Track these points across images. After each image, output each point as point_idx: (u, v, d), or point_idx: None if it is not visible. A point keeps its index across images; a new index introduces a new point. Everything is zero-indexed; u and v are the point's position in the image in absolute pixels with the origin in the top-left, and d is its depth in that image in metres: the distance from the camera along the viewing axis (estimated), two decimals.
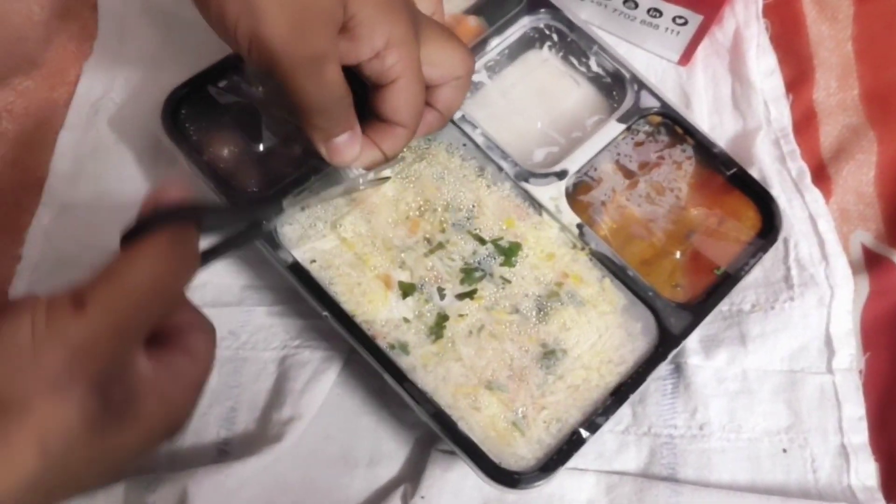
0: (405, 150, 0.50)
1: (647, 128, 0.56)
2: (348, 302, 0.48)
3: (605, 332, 0.50)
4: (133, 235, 0.33)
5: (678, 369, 0.52)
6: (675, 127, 0.56)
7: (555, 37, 0.58)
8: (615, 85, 0.57)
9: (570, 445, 0.45)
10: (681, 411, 0.51)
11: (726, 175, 0.55)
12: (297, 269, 0.48)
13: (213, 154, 0.51)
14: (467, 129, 0.53)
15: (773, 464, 0.50)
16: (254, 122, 0.52)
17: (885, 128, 0.59)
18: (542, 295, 0.50)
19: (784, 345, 0.52)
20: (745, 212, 0.54)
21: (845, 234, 0.56)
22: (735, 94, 0.60)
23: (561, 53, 0.58)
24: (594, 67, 0.58)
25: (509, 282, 0.50)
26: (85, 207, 0.53)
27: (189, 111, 0.51)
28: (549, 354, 0.49)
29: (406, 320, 0.48)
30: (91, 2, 0.59)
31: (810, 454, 0.50)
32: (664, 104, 0.56)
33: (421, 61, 0.43)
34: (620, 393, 0.47)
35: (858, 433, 0.51)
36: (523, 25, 0.57)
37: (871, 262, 0.55)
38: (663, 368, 0.50)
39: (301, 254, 0.49)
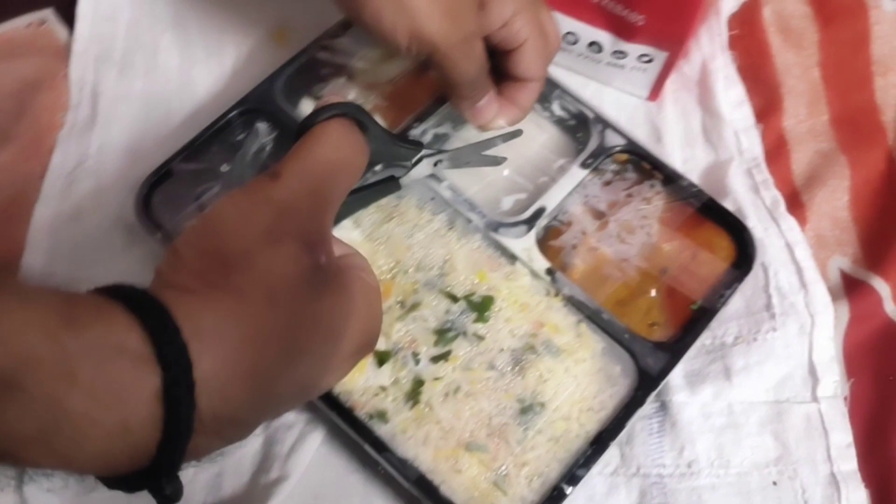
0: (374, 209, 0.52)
1: (613, 166, 0.56)
2: None
3: (583, 380, 0.50)
4: (308, 125, 0.39)
5: (663, 407, 0.51)
6: (641, 163, 0.56)
7: None
8: (579, 126, 0.57)
9: (551, 502, 0.46)
10: (668, 450, 0.51)
11: (696, 207, 0.55)
12: None
13: None
14: (433, 183, 0.53)
15: (765, 497, 0.50)
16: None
17: (857, 152, 0.59)
18: (517, 348, 0.50)
19: (768, 375, 0.52)
20: (719, 242, 0.54)
21: (823, 261, 0.57)
22: (705, 126, 0.60)
23: None
24: (557, 111, 0.58)
25: (483, 338, 0.50)
26: (62, 279, 0.53)
27: (163, 195, 0.52)
28: (526, 409, 0.49)
29: (383, 388, 0.48)
30: (63, 71, 0.60)
31: (801, 485, 0.50)
32: (629, 141, 0.56)
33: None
34: (601, 441, 0.47)
35: (847, 461, 0.51)
36: None
37: (849, 288, 0.56)
38: (648, 408, 0.50)
39: None
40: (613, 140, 0.56)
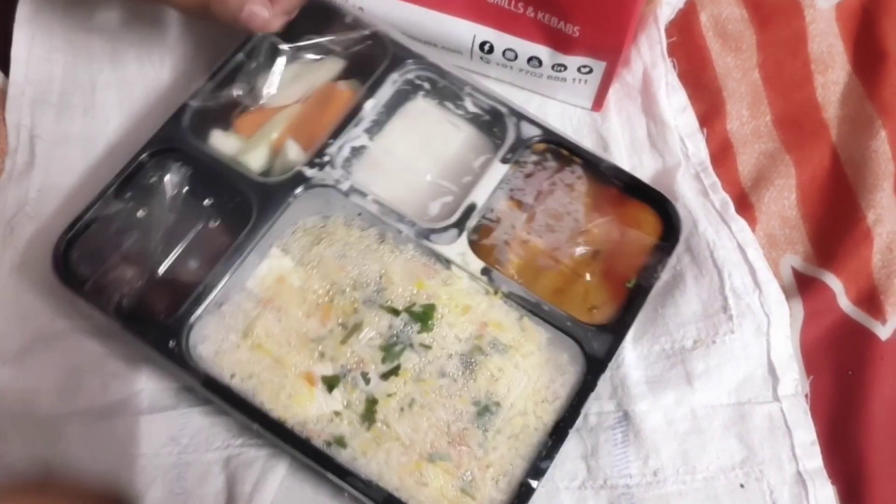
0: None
1: (533, 157, 0.56)
2: (276, 408, 0.48)
3: (533, 373, 0.50)
4: None
5: (626, 417, 0.51)
6: (560, 150, 0.56)
7: (426, 85, 0.58)
8: (494, 121, 0.57)
9: (520, 499, 0.46)
10: (634, 459, 0.50)
11: (619, 186, 0.55)
12: (218, 387, 0.47)
13: (115, 289, 0.50)
14: (358, 198, 0.53)
15: (733, 500, 0.50)
16: (150, 241, 0.52)
17: (801, 150, 0.60)
18: (465, 352, 0.50)
19: (729, 378, 0.52)
20: (645, 218, 0.55)
21: (775, 260, 0.57)
22: (651, 133, 0.61)
23: (436, 100, 0.58)
24: (471, 108, 0.58)
25: (430, 347, 0.50)
26: (7, 329, 0.52)
27: (83, 249, 0.51)
28: (483, 411, 0.49)
29: (337, 413, 0.48)
30: (0, 116, 0.59)
31: (767, 486, 0.50)
32: (545, 130, 0.56)
33: None
34: (559, 430, 0.48)
35: (812, 458, 0.51)
36: (394, 81, 0.57)
37: (802, 285, 0.56)
38: (611, 418, 0.51)
39: (219, 371, 0.48)
40: (530, 131, 0.56)
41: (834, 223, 0.58)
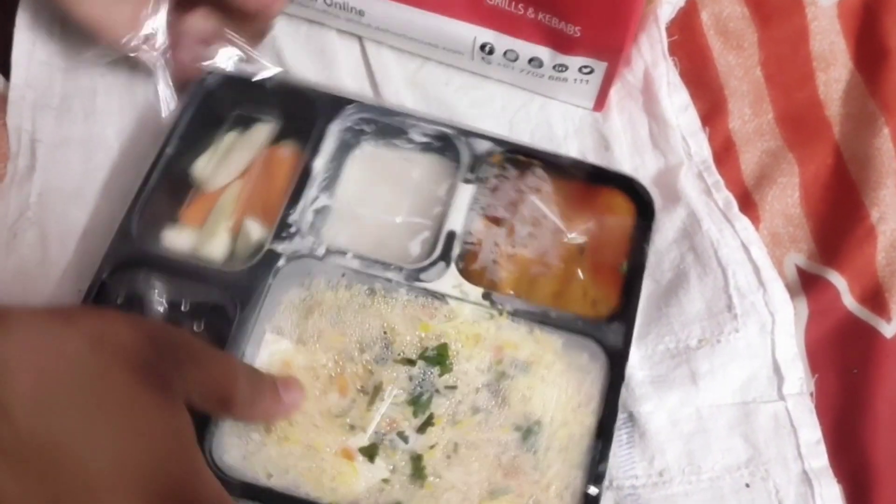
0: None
1: (494, 170, 0.56)
2: (323, 495, 0.46)
3: (561, 382, 0.50)
4: None
5: (631, 418, 0.51)
6: (516, 157, 0.56)
7: (367, 128, 0.57)
8: (445, 146, 0.56)
9: None
10: (639, 460, 0.50)
11: (582, 177, 0.56)
12: (259, 492, 0.46)
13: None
14: (337, 259, 0.52)
15: (739, 500, 0.50)
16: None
17: (804, 148, 0.60)
18: (490, 381, 0.50)
19: (733, 377, 0.52)
20: (616, 201, 0.55)
21: (779, 258, 0.57)
22: (653, 133, 0.60)
23: (382, 141, 0.57)
24: (419, 138, 0.57)
25: (455, 387, 0.49)
26: None
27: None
28: (526, 434, 0.48)
29: (385, 481, 0.47)
30: (2, 120, 0.59)
31: (773, 485, 0.50)
32: (496, 141, 0.56)
33: None
34: (605, 430, 0.48)
35: (818, 457, 0.51)
36: (334, 133, 0.55)
37: (807, 284, 0.56)
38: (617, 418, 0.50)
39: (254, 475, 0.47)
40: (481, 146, 0.55)
41: (837, 221, 0.58)
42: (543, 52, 0.57)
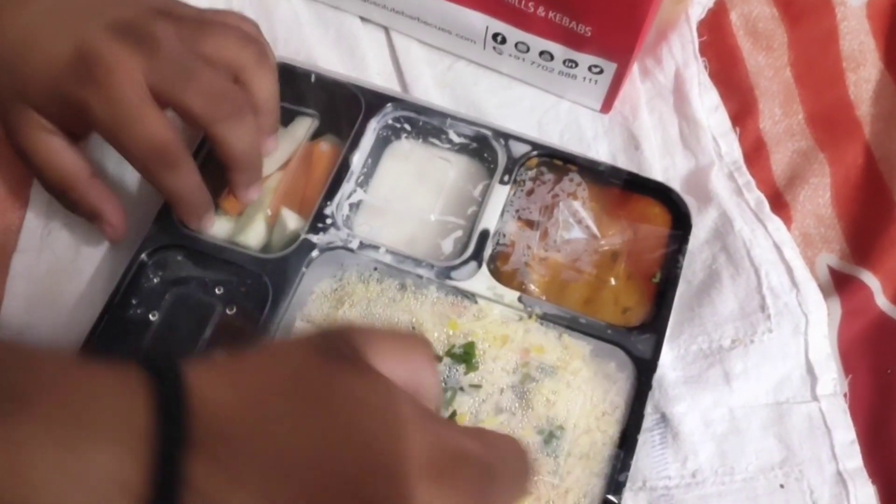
0: None
1: (530, 174, 0.56)
2: None
3: (586, 388, 0.49)
4: None
5: (664, 419, 0.51)
6: (553, 161, 0.56)
7: (407, 126, 0.57)
8: (483, 147, 0.57)
9: None
10: (672, 461, 0.50)
11: (619, 185, 0.55)
12: None
13: None
14: (370, 252, 0.52)
15: (772, 501, 0.49)
16: (170, 343, 0.50)
17: (834, 148, 0.60)
18: (515, 383, 0.49)
19: (767, 377, 0.52)
20: (652, 211, 0.55)
21: (811, 259, 0.57)
22: (683, 133, 0.60)
23: (420, 139, 0.58)
24: (456, 139, 0.57)
25: (480, 386, 0.49)
26: (43, 330, 0.52)
27: None
28: (548, 438, 0.48)
29: None
30: None
31: (808, 486, 0.50)
32: (534, 144, 0.56)
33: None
34: (628, 441, 0.47)
35: (852, 458, 0.50)
36: (373, 129, 0.56)
37: (840, 284, 0.56)
38: (649, 420, 0.50)
39: None
40: (520, 148, 0.56)
41: (869, 221, 0.57)
42: (554, 47, 0.57)
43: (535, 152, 0.56)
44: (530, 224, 0.55)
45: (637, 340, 0.50)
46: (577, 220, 0.54)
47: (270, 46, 0.52)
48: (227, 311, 0.51)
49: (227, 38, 0.49)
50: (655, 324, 0.51)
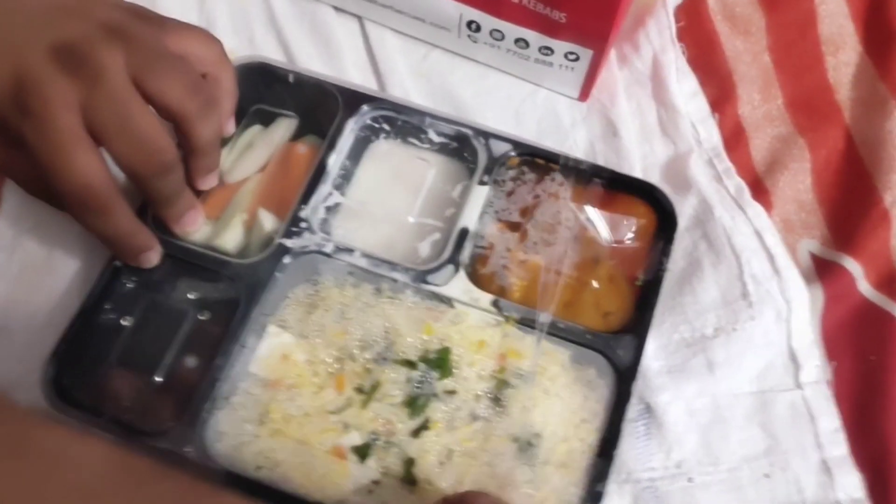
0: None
1: (510, 173, 0.55)
2: (311, 492, 0.45)
3: (565, 395, 0.48)
4: None
5: (648, 409, 0.50)
6: (535, 160, 0.55)
7: (386, 126, 0.56)
8: (463, 146, 0.56)
9: None
10: (656, 452, 0.49)
11: (603, 184, 0.54)
12: (248, 483, 0.45)
13: (114, 405, 0.47)
14: (345, 256, 0.51)
15: (758, 491, 0.49)
16: (142, 348, 0.49)
17: (814, 133, 0.59)
18: (491, 389, 0.48)
19: (750, 366, 0.51)
20: (637, 210, 0.54)
21: (792, 245, 0.56)
22: (661, 120, 0.59)
23: (399, 139, 0.57)
24: (436, 138, 0.56)
25: (455, 392, 0.48)
26: (15, 330, 0.51)
27: (71, 372, 0.47)
28: (525, 446, 0.47)
29: (376, 482, 0.46)
30: None
31: (793, 475, 0.49)
32: (515, 143, 0.55)
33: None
34: (606, 450, 0.46)
35: (837, 446, 0.50)
36: (352, 129, 0.55)
37: (821, 270, 0.55)
38: (633, 410, 0.49)
39: (243, 465, 0.46)
40: (500, 147, 0.54)
41: (850, 206, 0.57)
42: (530, 34, 0.56)
43: (515, 151, 0.55)
44: (510, 226, 0.53)
45: (618, 345, 0.49)
46: (558, 221, 0.53)
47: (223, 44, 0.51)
48: (200, 317, 0.50)
49: (186, 38, 0.48)
50: (637, 328, 0.49)
